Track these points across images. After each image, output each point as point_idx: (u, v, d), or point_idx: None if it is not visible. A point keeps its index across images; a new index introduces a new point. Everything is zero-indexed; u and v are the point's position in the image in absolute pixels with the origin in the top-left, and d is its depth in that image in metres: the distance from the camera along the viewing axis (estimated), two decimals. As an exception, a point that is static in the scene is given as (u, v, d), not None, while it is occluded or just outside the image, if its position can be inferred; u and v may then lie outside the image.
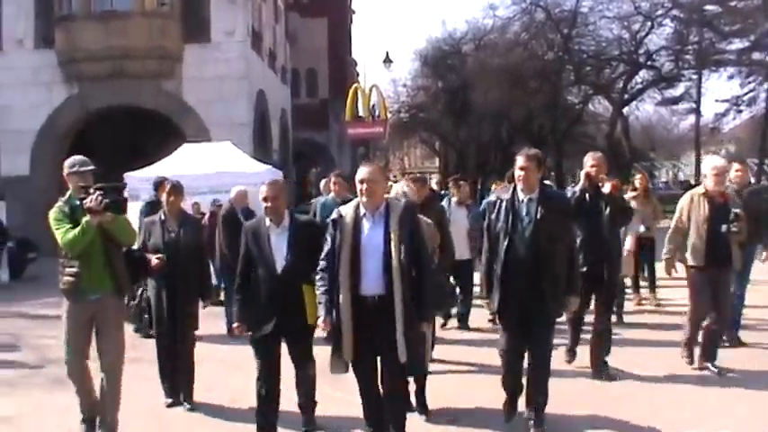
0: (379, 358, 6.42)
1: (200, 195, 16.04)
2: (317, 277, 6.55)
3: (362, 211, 6.39)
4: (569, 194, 9.31)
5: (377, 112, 28.87)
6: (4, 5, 28.57)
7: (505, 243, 7.17)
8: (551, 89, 47.65)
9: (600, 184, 9.16)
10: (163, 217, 8.66)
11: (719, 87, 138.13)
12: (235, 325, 7.45)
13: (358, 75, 54.65)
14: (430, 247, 7.43)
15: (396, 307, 6.16)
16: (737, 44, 45.11)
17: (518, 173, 7.20)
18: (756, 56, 44.94)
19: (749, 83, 47.35)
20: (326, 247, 6.49)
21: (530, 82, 46.47)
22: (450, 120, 53.08)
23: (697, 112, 49.32)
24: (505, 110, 47.23)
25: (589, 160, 9.42)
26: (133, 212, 16.39)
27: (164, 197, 8.85)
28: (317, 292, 6.55)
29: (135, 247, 8.03)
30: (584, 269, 8.66)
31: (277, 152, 33.73)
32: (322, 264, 6.52)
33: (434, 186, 15.91)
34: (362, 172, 6.37)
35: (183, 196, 8.98)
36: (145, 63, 27.61)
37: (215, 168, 18.13)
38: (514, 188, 7.32)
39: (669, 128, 64.99)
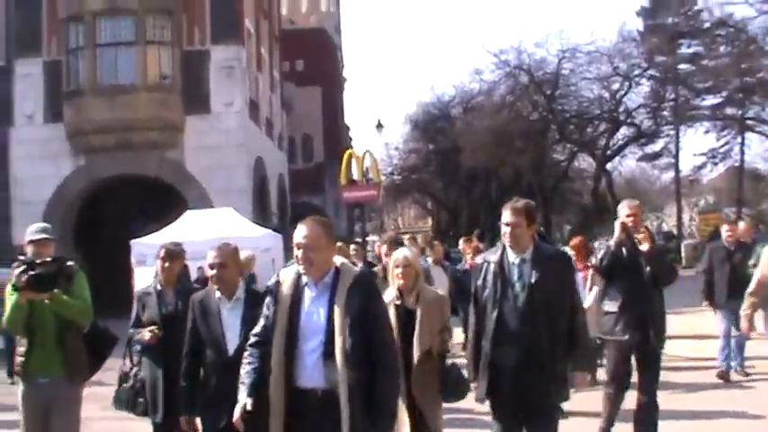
0: None
1: (204, 260, 16.32)
2: (245, 354, 5.09)
3: (305, 279, 4.93)
4: (603, 250, 8.08)
5: (370, 176, 29.31)
6: (16, 83, 29.09)
7: (494, 314, 5.84)
8: (537, 148, 48.32)
9: (637, 241, 7.73)
10: (159, 287, 7.36)
11: (696, 141, 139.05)
12: (182, 418, 6.31)
13: (351, 139, 55.49)
14: (440, 324, 6.60)
15: (341, 410, 4.63)
16: (711, 100, 46.15)
17: (504, 229, 5.89)
18: (729, 110, 45.88)
19: (724, 136, 48.50)
20: (261, 321, 5.07)
21: (516, 141, 47.12)
22: (442, 180, 53.82)
23: (676, 166, 49.95)
24: (494, 169, 47.95)
25: (624, 209, 7.95)
26: (142, 279, 16.81)
27: (158, 264, 7.48)
28: (242, 372, 5.02)
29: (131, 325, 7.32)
30: (626, 337, 7.62)
31: (276, 216, 34.13)
32: (253, 339, 5.09)
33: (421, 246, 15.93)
34: (298, 233, 4.84)
35: (181, 261, 7.77)
36: (148, 134, 28.07)
37: (218, 234, 18.45)
38: (504, 248, 6.00)
39: (651, 181, 65.64)
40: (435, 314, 6.62)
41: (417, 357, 6.43)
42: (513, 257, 5.93)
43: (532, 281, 5.79)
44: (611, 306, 7.87)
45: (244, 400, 4.85)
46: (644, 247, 7.66)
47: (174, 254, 7.54)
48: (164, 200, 27.68)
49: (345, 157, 29.19)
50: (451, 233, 48.26)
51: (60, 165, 28.70)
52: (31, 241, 6.65)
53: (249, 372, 5.00)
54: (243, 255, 13.08)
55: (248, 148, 29.78)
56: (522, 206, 5.90)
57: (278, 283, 5.02)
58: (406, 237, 18.90)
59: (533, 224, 5.97)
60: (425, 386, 6.49)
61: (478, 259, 6.47)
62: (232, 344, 5.99)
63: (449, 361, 6.78)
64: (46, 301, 6.23)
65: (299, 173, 44.47)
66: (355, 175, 29.25)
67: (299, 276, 4.93)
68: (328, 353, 4.72)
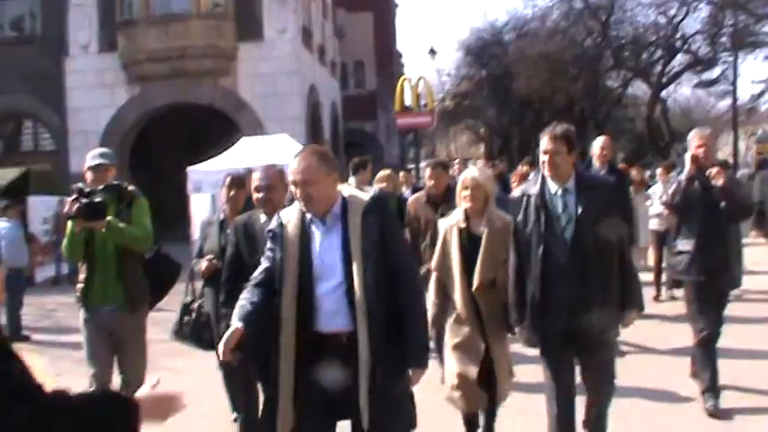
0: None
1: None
2: (243, 292, 4.60)
3: (309, 216, 4.48)
4: (674, 185, 7.35)
5: (424, 102, 29.09)
6: (71, 14, 29.07)
7: (540, 251, 5.40)
8: (591, 74, 47.39)
9: (709, 175, 7.00)
10: (221, 216, 6.90)
11: (755, 68, 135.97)
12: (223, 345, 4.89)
13: (403, 65, 54.88)
14: (507, 253, 5.80)
15: (360, 353, 4.26)
16: (771, 25, 44.74)
17: (543, 158, 5.47)
18: (790, 36, 44.54)
19: (784, 63, 46.91)
20: (262, 263, 4.62)
21: (570, 68, 46.22)
22: (494, 106, 53.18)
23: (734, 93, 48.73)
24: (547, 96, 47.13)
25: (695, 139, 7.28)
26: (198, 206, 16.88)
27: (223, 192, 6.99)
28: (237, 305, 4.52)
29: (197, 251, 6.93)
30: (702, 278, 7.10)
31: (328, 143, 34.03)
32: (253, 281, 4.60)
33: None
34: (291, 168, 4.39)
35: (246, 189, 6.90)
36: (202, 62, 27.98)
37: (272, 160, 18.40)
38: (543, 179, 5.53)
39: (708, 109, 64.41)
40: (502, 242, 5.91)
41: (476, 285, 5.97)
42: (554, 188, 5.48)
43: (578, 212, 5.34)
44: (684, 245, 7.31)
45: (236, 324, 4.35)
46: (718, 181, 6.94)
47: (239, 182, 6.99)
48: (218, 127, 27.74)
49: (399, 83, 28.97)
50: (504, 159, 47.90)
51: (115, 94, 28.81)
52: (90, 167, 6.49)
53: (245, 305, 4.48)
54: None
55: (301, 75, 29.57)
56: (561, 132, 5.43)
57: (281, 225, 4.54)
58: (456, 161, 18.76)
59: (574, 151, 5.48)
60: (491, 314, 6.01)
61: (516, 192, 5.95)
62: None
63: None
64: (102, 229, 6.12)
65: (352, 99, 44.16)
66: (408, 101, 29.04)
67: (303, 215, 4.48)
68: (349, 292, 4.33)
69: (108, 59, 28.60)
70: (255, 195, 5.73)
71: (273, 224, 4.58)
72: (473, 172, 6.28)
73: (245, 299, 4.51)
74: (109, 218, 6.16)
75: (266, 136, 23.10)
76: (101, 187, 6.29)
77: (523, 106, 51.31)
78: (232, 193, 6.86)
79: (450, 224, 6.27)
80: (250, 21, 28.42)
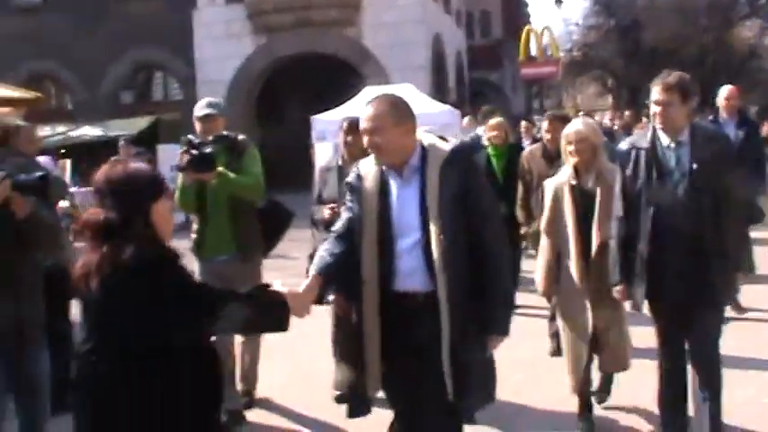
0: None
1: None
2: (324, 244, 4.40)
3: (385, 167, 4.21)
4: None
5: (549, 52, 28.51)
6: (198, -35, 29.34)
7: (651, 209, 4.98)
8: (723, 24, 45.64)
9: None
10: (340, 162, 6.63)
11: None
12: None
13: (530, 15, 53.92)
14: (606, 212, 5.51)
15: (441, 316, 4.01)
16: None
17: (654, 109, 5.09)
18: None
19: None
20: (343, 215, 4.42)
21: (701, 18, 44.62)
22: (622, 58, 51.75)
23: None
24: (677, 47, 45.62)
25: None
26: (322, 154, 16.84)
27: (340, 137, 6.74)
28: (318, 253, 4.34)
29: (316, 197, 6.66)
30: None
31: (453, 92, 33.68)
32: (334, 233, 4.35)
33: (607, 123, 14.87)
34: (362, 117, 4.16)
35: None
36: (327, 12, 27.87)
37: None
38: (654, 132, 5.15)
39: None
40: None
41: (596, 247, 5.58)
42: (666, 141, 5.05)
43: (694, 166, 4.90)
44: None
45: (313, 273, 4.15)
46: None
47: (357, 126, 6.47)
48: (342, 77, 27.68)
49: (524, 33, 28.44)
50: (631, 112, 46.80)
51: (242, 44, 29.00)
52: (198, 118, 6.46)
53: (324, 256, 4.24)
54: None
55: (427, 24, 29.14)
56: (674, 80, 5.00)
57: (359, 176, 4.28)
58: (580, 113, 18.24)
59: (688, 101, 5.03)
60: (604, 282, 5.48)
61: (623, 145, 5.43)
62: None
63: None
64: (212, 180, 6.09)
65: (477, 49, 43.57)
66: (534, 51, 28.51)
67: (381, 167, 4.21)
68: (427, 249, 4.04)
69: (235, 10, 28.77)
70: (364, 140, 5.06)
71: (351, 176, 4.33)
72: (576, 125, 5.85)
73: (326, 249, 4.27)
74: (219, 169, 6.12)
75: (390, 86, 22.90)
76: (210, 138, 6.29)
77: (652, 57, 49.78)
78: (349, 138, 6.49)
79: (560, 182, 5.87)
80: (376, -31, 28.18)
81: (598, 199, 5.63)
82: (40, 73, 30.64)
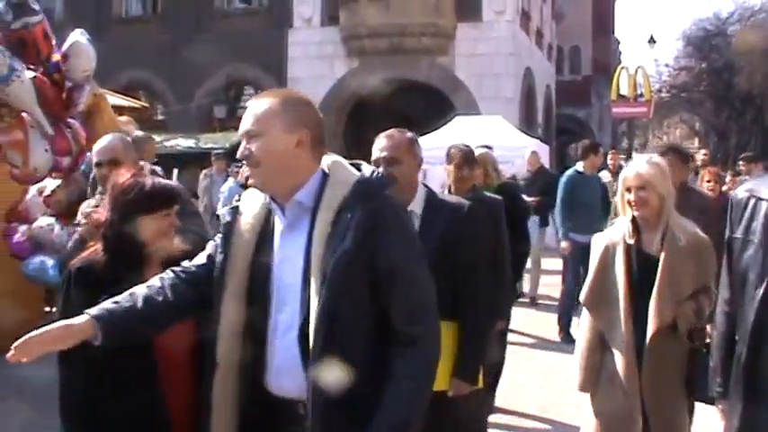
0: None
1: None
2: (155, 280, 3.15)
3: (272, 203, 2.98)
4: None
5: (640, 92, 28.53)
6: (296, -14, 30.02)
7: (761, 288, 3.18)
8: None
9: None
10: (446, 192, 5.93)
11: None
12: None
13: (621, 53, 53.75)
14: (696, 283, 4.35)
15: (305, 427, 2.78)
16: None
17: None
18: None
19: None
20: (198, 258, 3.17)
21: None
22: (712, 101, 51.34)
23: None
24: (770, 91, 45.14)
25: None
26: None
27: (448, 169, 6.20)
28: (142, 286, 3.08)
29: None
30: None
31: (541, 127, 33.81)
32: (178, 270, 3.14)
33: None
34: (245, 115, 2.95)
35: (476, 168, 6.44)
36: (420, 40, 28.23)
37: (485, 140, 18.51)
38: None
39: None
40: (690, 267, 4.35)
41: (651, 331, 4.30)
42: None
43: None
44: None
45: (94, 312, 2.89)
46: None
47: (471, 159, 6.27)
48: (432, 105, 28.02)
49: (616, 71, 28.50)
50: (719, 156, 46.16)
51: (334, 66, 29.53)
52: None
53: (146, 294, 3.02)
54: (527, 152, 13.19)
55: (518, 57, 29.37)
56: None
57: (235, 210, 3.08)
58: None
59: None
60: (661, 376, 4.35)
61: (741, 192, 3.43)
62: None
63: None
64: None
65: (566, 84, 43.59)
66: (624, 90, 28.57)
67: (268, 200, 2.99)
68: (304, 334, 2.78)
69: (329, 33, 29.36)
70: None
71: (226, 209, 3.14)
72: (640, 165, 4.49)
73: (153, 285, 3.07)
74: None
75: (480, 116, 23.23)
76: None
77: (744, 102, 49.30)
78: (464, 172, 6.13)
79: (612, 240, 4.57)
80: (469, 1, 28.47)
81: (661, 266, 4.37)
82: (137, 82, 31.57)
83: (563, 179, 10.62)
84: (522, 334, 10.38)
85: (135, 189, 3.45)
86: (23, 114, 8.04)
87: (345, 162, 3.02)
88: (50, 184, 7.91)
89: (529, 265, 10.67)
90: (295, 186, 2.88)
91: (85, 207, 5.25)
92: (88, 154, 6.62)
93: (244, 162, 2.95)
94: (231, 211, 3.09)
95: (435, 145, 15.03)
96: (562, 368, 8.11)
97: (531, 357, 9.48)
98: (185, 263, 3.16)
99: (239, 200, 3.13)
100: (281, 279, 2.90)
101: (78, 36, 8.27)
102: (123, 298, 2.96)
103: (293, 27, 30.24)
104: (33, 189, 8.06)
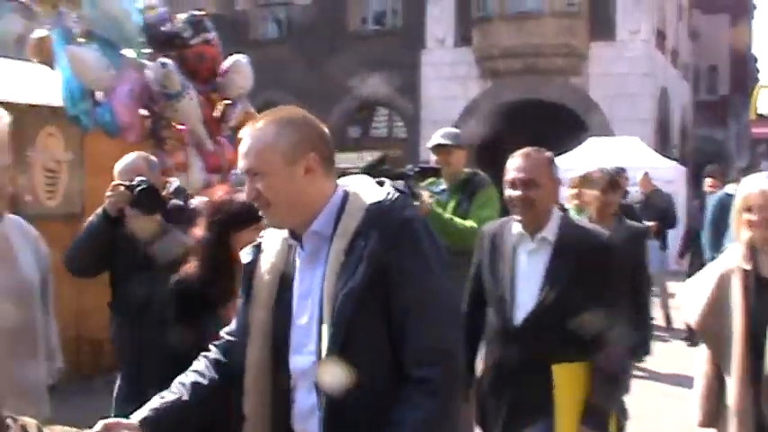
0: None
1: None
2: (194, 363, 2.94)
3: (292, 238, 2.77)
4: None
5: (782, 112, 27.82)
6: (429, 9, 30.43)
7: None
8: None
9: None
10: (588, 218, 5.81)
11: None
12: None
13: (759, 71, 52.34)
14: None
15: None
16: None
17: None
18: None
19: None
20: (236, 315, 2.95)
21: None
22: None
23: None
24: None
25: None
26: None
27: (589, 194, 6.09)
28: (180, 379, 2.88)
29: None
30: None
31: (677, 148, 33.29)
32: (213, 349, 2.96)
33: None
34: (241, 144, 2.78)
35: (622, 191, 6.36)
36: (554, 60, 28.25)
37: (622, 163, 18.39)
38: None
39: None
40: None
41: None
42: None
43: None
44: None
45: (142, 414, 2.72)
46: None
47: (615, 183, 6.10)
48: (564, 125, 27.93)
49: (755, 90, 27.86)
50: None
51: (467, 87, 29.74)
52: (431, 148, 6.11)
53: (168, 394, 2.82)
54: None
55: (653, 77, 29.04)
56: None
57: (257, 250, 2.87)
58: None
59: None
60: None
61: None
62: (522, 306, 3.92)
63: None
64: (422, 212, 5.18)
65: (702, 105, 42.75)
66: (764, 109, 27.87)
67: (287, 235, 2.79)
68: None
69: (463, 53, 29.58)
70: (508, 193, 4.08)
71: (247, 250, 2.91)
72: (762, 183, 4.05)
73: (189, 375, 2.89)
74: (430, 204, 5.50)
75: (615, 137, 23.07)
76: (417, 168, 5.81)
77: None
78: (608, 197, 5.97)
79: (726, 266, 4.16)
80: (603, 20, 28.28)
81: None
82: (273, 103, 32.25)
83: (712, 201, 10.57)
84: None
85: (225, 207, 3.61)
86: (183, 135, 8.43)
87: (368, 182, 2.78)
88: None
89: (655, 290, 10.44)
90: (313, 215, 2.67)
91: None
92: (233, 171, 6.94)
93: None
94: (253, 250, 2.87)
95: (568, 167, 15.08)
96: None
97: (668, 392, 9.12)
98: (229, 327, 2.99)
99: (260, 240, 2.91)
100: (298, 317, 2.69)
101: (239, 56, 8.69)
102: (170, 392, 2.80)
103: (426, 48, 30.60)
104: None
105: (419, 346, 2.51)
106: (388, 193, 2.67)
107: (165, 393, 2.79)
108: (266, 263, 2.78)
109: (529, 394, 3.81)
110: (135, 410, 2.69)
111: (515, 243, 3.83)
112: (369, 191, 2.70)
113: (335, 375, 2.50)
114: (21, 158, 8.20)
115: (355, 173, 3.69)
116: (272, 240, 2.82)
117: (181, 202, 5.38)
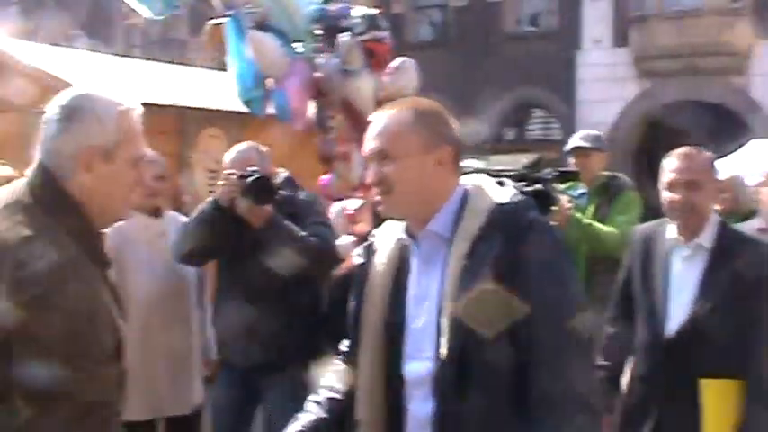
0: None
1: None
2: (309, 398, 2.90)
3: (408, 237, 2.65)
4: None
5: None
6: (585, 10, 30.20)
7: None
8: None
9: None
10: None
11: None
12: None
13: None
14: None
15: None
16: None
17: None
18: None
19: None
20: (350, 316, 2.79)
21: None
22: None
23: None
24: None
25: None
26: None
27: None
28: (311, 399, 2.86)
29: None
30: None
31: None
32: (344, 347, 2.88)
33: None
34: (369, 131, 2.65)
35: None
36: (715, 59, 27.63)
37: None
38: None
39: None
40: None
41: None
42: None
43: None
44: None
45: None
46: None
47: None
48: (724, 126, 27.27)
49: None
50: None
51: (625, 88, 29.35)
52: (569, 151, 6.00)
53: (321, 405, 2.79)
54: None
55: (820, 76, 28.04)
56: None
57: (369, 250, 2.77)
58: None
59: None
60: None
61: None
62: (674, 317, 3.73)
63: None
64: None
65: None
66: None
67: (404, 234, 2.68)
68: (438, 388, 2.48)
69: (620, 54, 29.24)
70: (666, 195, 3.87)
71: (359, 250, 2.92)
72: None
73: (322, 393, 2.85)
74: (570, 210, 5.29)
75: (777, 140, 22.44)
76: (556, 172, 5.56)
77: None
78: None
79: None
80: (767, 18, 27.60)
81: None
82: (427, 105, 32.56)
83: None
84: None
85: None
86: (349, 127, 8.31)
87: (488, 182, 2.66)
88: (351, 203, 7.52)
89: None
90: (433, 212, 2.55)
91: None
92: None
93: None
94: (364, 251, 2.77)
95: (728, 170, 14.80)
96: None
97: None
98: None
99: (372, 238, 2.80)
100: (414, 321, 2.56)
101: (406, 58, 8.85)
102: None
103: (582, 48, 30.39)
104: (337, 207, 7.53)
105: (550, 388, 2.34)
106: (512, 195, 2.56)
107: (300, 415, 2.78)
108: (379, 264, 2.67)
109: (676, 411, 3.62)
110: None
111: (669, 248, 3.63)
112: (491, 191, 2.59)
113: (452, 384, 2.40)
114: (183, 160, 8.51)
115: (511, 176, 4.04)
116: (385, 241, 2.72)
117: (290, 193, 5.24)
